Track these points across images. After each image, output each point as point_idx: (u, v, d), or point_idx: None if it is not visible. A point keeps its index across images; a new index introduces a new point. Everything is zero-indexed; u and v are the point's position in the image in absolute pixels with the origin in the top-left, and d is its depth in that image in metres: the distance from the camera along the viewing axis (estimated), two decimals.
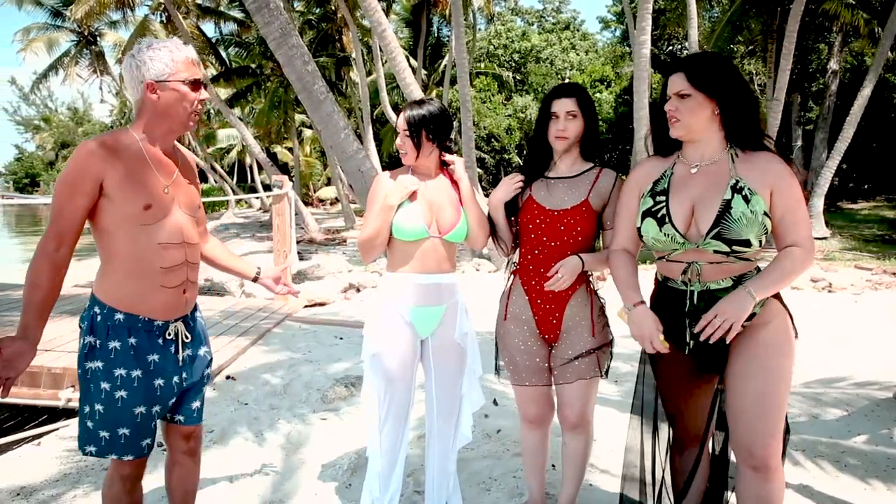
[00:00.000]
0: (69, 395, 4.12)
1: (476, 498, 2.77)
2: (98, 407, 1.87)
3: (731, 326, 1.79)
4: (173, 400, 2.01)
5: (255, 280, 2.29)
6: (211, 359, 2.17)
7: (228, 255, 2.29)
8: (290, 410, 3.90)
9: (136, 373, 1.88)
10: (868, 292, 8.25)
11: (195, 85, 1.89)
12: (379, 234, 2.29)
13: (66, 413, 4.13)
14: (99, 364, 1.86)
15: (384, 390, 2.35)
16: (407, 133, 2.28)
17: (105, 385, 1.86)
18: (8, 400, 4.32)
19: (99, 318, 1.87)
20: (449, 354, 2.40)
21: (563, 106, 2.20)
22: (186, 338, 1.99)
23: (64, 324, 5.40)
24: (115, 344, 1.86)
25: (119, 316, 1.87)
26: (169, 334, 1.95)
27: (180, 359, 1.98)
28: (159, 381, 1.93)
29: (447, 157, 2.38)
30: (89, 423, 1.89)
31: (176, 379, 1.98)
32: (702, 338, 1.84)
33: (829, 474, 2.98)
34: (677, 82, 1.88)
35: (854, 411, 3.85)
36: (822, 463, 3.10)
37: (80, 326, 1.92)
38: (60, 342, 4.74)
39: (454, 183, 2.39)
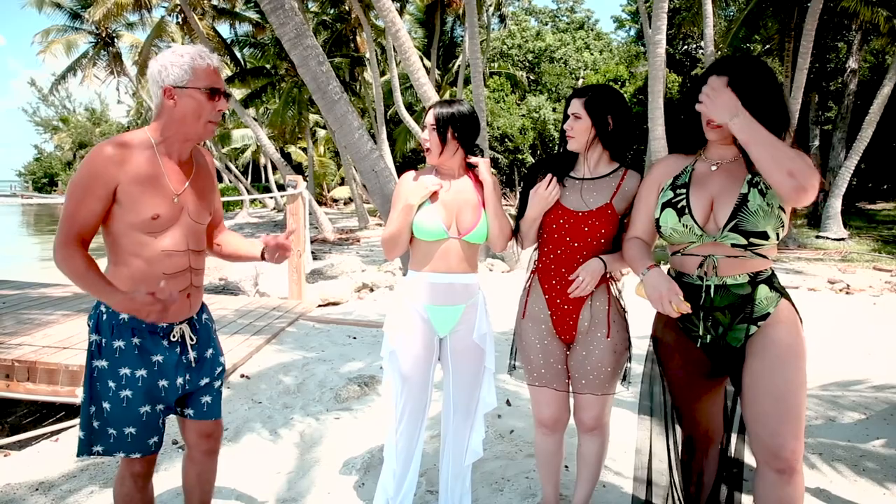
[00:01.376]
0: None
1: (489, 498, 2.76)
2: (105, 405, 1.90)
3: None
4: (175, 399, 2.02)
5: (262, 258, 2.18)
6: (222, 359, 2.17)
7: (236, 247, 2.24)
8: (304, 409, 3.92)
9: (141, 372, 1.90)
10: (887, 294, 8.13)
11: (214, 94, 1.88)
12: (400, 233, 2.33)
13: None
14: (105, 363, 1.89)
15: (401, 387, 2.38)
16: (434, 127, 2.30)
17: (111, 384, 1.89)
18: (27, 396, 4.38)
19: (104, 317, 1.89)
20: (467, 355, 2.40)
21: (571, 107, 2.24)
22: (192, 339, 2.01)
23: (81, 322, 5.47)
24: (119, 343, 1.88)
25: (123, 316, 1.88)
26: (174, 336, 1.96)
27: (186, 360, 2.00)
28: (163, 382, 1.95)
29: (473, 159, 2.38)
30: (95, 423, 1.91)
31: (180, 380, 1.99)
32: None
33: (847, 478, 2.94)
34: (720, 85, 1.85)
35: (872, 415, 3.80)
36: (840, 466, 3.06)
37: (88, 324, 1.95)
38: (78, 339, 4.80)
39: (478, 185, 2.38)
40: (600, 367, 2.23)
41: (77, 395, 4.17)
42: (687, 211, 1.92)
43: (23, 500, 2.79)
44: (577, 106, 2.21)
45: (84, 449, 1.94)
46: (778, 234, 1.84)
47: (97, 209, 1.80)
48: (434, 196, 2.32)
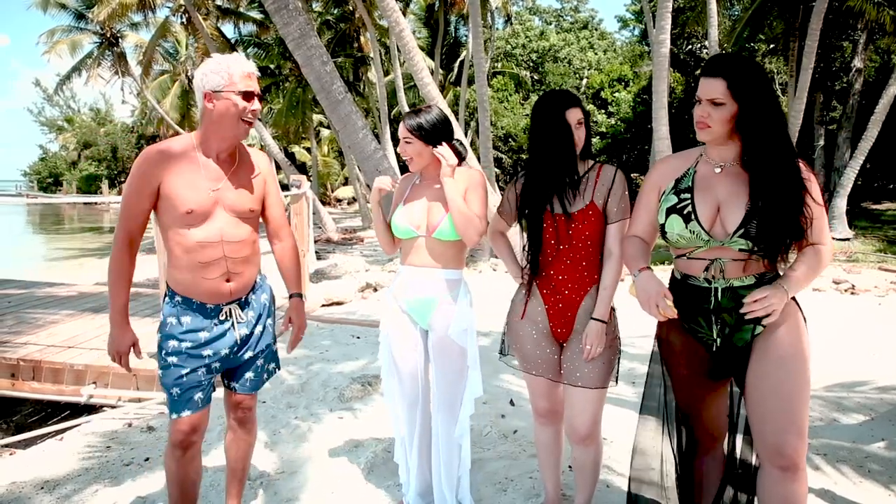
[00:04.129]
0: (91, 392, 4.19)
1: (492, 498, 2.77)
2: (165, 370, 2.20)
3: (768, 314, 1.82)
4: (223, 364, 2.26)
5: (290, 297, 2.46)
6: (273, 347, 2.42)
7: (286, 267, 2.46)
8: (307, 409, 3.92)
9: (186, 344, 2.17)
10: (892, 294, 8.10)
11: (248, 96, 2.09)
12: (377, 230, 2.62)
13: (88, 409, 4.20)
14: (160, 335, 2.21)
15: (393, 376, 2.58)
16: (406, 141, 2.43)
17: (163, 352, 2.19)
18: (32, 395, 4.40)
19: (167, 297, 2.23)
20: (443, 349, 2.47)
21: (575, 115, 2.20)
22: (240, 319, 2.25)
23: (86, 322, 5.49)
24: (171, 319, 2.19)
25: (178, 298, 2.20)
26: (222, 315, 2.22)
27: (236, 337, 2.25)
28: (208, 351, 2.20)
29: (440, 149, 2.40)
30: (163, 384, 2.22)
31: (226, 352, 2.24)
32: (744, 310, 1.85)
33: (851, 480, 2.94)
34: (715, 88, 1.82)
35: (877, 416, 3.79)
36: (844, 468, 3.05)
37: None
38: (83, 339, 4.82)
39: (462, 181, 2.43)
40: (594, 362, 2.23)
41: (82, 395, 4.19)
42: (693, 217, 1.90)
43: (28, 499, 2.80)
44: (581, 114, 2.20)
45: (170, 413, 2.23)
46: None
47: (145, 206, 2.10)
48: (411, 195, 2.50)
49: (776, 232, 1.80)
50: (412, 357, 2.54)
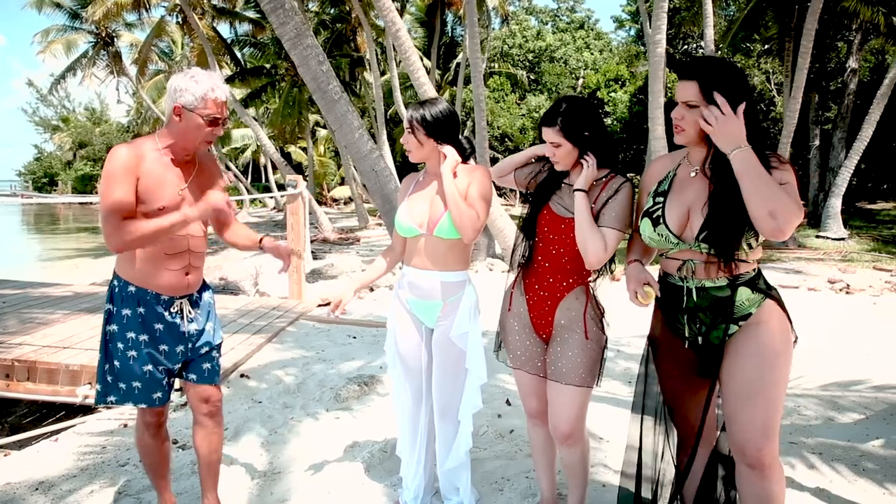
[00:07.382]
0: (86, 392, 4.18)
1: (489, 498, 2.77)
2: (116, 363, 2.27)
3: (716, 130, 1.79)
4: (178, 365, 2.36)
5: (260, 246, 2.52)
6: (220, 334, 2.51)
7: (236, 236, 2.55)
8: (304, 409, 3.92)
9: (143, 337, 2.26)
10: (887, 294, 8.14)
11: (214, 122, 2.22)
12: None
13: (84, 409, 4.19)
14: (115, 327, 2.26)
15: (398, 370, 2.59)
16: (409, 130, 2.42)
17: (120, 345, 2.25)
18: (27, 396, 4.39)
19: (116, 289, 2.27)
20: (444, 351, 2.46)
21: (547, 136, 2.19)
22: (190, 313, 2.36)
23: (81, 321, 5.47)
24: (126, 311, 2.24)
25: (132, 288, 2.25)
26: (174, 309, 2.31)
27: (185, 331, 2.34)
28: (163, 347, 2.30)
29: (443, 148, 2.39)
30: (109, 378, 2.29)
31: (180, 348, 2.34)
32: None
33: (846, 478, 2.95)
34: (688, 90, 1.85)
35: (872, 415, 3.80)
36: (839, 467, 3.06)
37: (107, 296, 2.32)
38: (78, 339, 4.81)
39: (464, 177, 2.40)
40: (576, 362, 2.20)
41: (77, 395, 4.18)
42: (662, 221, 1.94)
43: (22, 500, 2.79)
44: (552, 135, 2.17)
45: (100, 399, 2.32)
46: (751, 245, 1.86)
47: (131, 192, 2.12)
48: (411, 193, 2.48)
49: (726, 238, 1.83)
50: (416, 353, 2.54)
